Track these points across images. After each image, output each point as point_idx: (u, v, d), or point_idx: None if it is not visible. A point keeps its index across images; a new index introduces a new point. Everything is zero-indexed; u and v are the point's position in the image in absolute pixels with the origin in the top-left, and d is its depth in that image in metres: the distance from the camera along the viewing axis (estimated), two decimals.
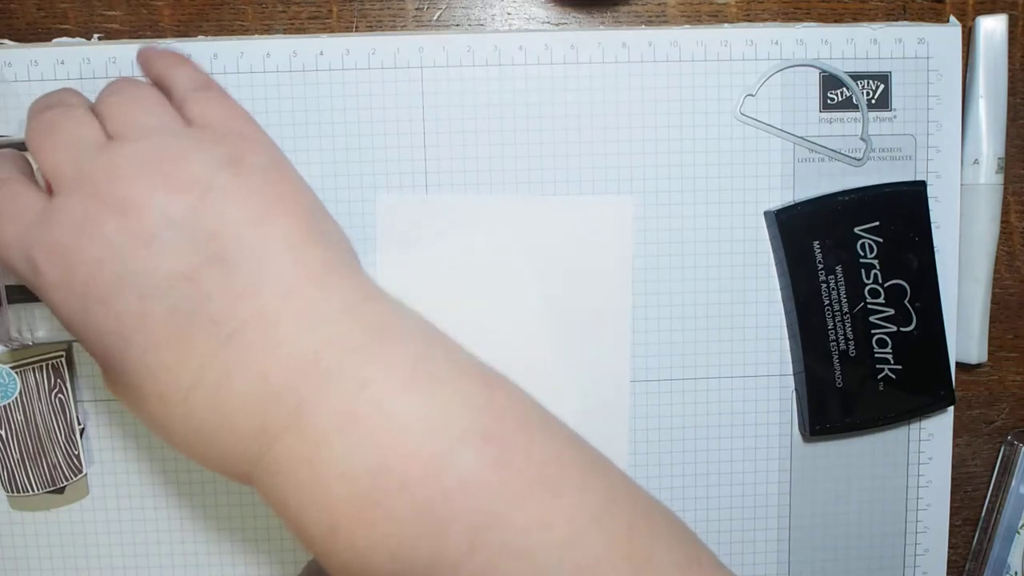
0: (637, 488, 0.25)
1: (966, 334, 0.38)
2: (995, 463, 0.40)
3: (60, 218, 0.23)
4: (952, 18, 0.37)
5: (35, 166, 0.30)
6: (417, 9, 0.37)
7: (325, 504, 0.22)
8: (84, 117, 0.26)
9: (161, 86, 0.29)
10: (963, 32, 0.37)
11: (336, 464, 0.21)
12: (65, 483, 0.37)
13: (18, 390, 0.36)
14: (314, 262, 0.23)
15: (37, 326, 0.33)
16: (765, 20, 0.37)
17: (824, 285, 0.36)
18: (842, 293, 0.36)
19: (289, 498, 0.22)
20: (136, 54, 0.30)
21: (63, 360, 0.36)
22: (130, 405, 0.25)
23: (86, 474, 0.37)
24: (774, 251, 0.37)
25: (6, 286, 0.32)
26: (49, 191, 0.25)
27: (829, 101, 0.37)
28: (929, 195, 0.37)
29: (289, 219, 0.23)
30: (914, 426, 0.38)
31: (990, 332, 0.38)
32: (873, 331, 0.36)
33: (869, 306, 0.36)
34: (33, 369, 0.36)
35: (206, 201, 0.23)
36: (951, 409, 0.38)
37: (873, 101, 0.37)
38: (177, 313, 0.22)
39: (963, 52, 0.37)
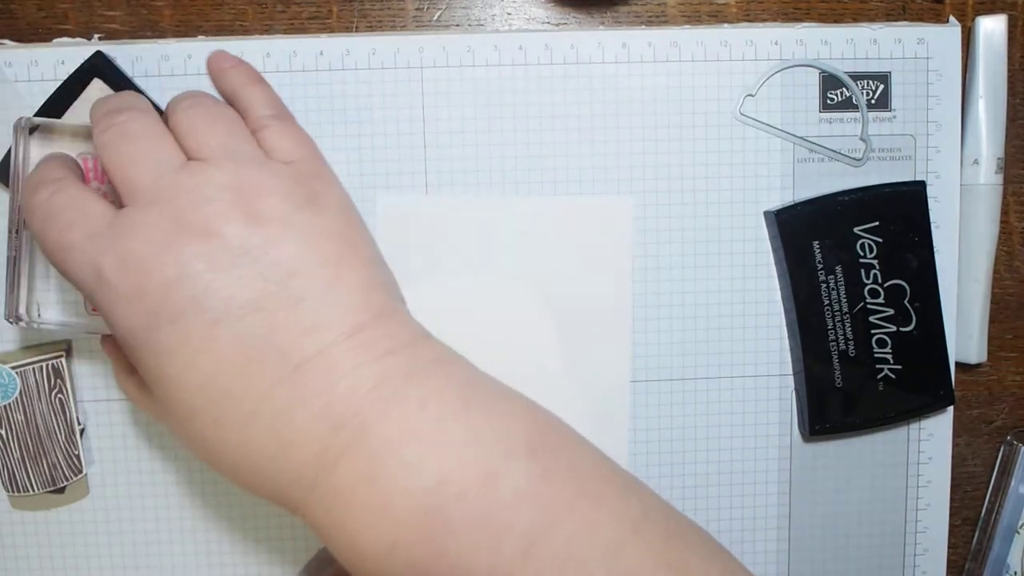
0: (668, 504, 0.26)
1: (966, 334, 0.38)
2: (995, 463, 0.40)
3: (137, 231, 0.23)
4: (952, 18, 0.37)
5: (78, 158, 0.29)
6: (417, 9, 0.37)
7: (386, 520, 0.22)
8: (159, 127, 0.26)
9: (233, 102, 0.29)
10: (963, 32, 0.37)
11: (400, 478, 0.22)
12: (65, 483, 0.37)
13: (18, 390, 0.36)
14: (376, 305, 0.25)
15: (45, 309, 0.32)
16: (765, 20, 0.37)
17: (824, 285, 0.36)
18: (842, 293, 0.36)
19: (347, 520, 0.23)
20: (207, 61, 0.30)
21: (63, 360, 0.36)
22: (176, 425, 0.25)
23: (86, 474, 0.37)
24: (774, 251, 0.37)
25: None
26: (105, 198, 0.25)
27: (829, 101, 0.37)
28: (929, 195, 0.37)
29: (360, 265, 0.25)
30: (914, 426, 0.38)
31: (990, 332, 0.38)
32: (873, 331, 0.36)
33: (869, 306, 0.36)
34: (33, 369, 0.36)
35: (285, 238, 0.24)
36: (951, 409, 0.38)
37: (873, 101, 0.37)
38: (246, 341, 0.22)
39: (963, 52, 0.37)
